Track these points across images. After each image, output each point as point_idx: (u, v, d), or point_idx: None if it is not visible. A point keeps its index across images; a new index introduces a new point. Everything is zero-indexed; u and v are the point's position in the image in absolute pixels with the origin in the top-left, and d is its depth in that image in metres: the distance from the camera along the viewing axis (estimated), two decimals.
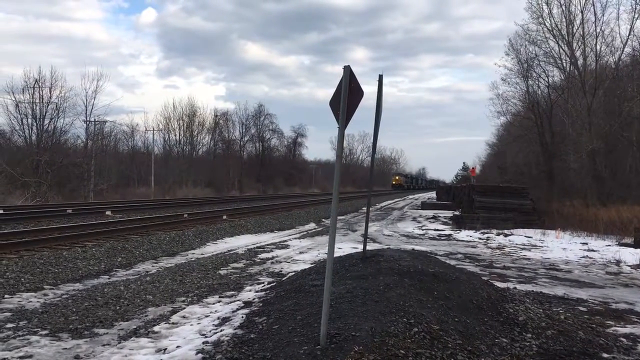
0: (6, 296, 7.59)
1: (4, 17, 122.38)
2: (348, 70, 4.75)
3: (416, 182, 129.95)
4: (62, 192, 38.21)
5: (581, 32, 29.47)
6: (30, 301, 7.36)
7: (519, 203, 22.86)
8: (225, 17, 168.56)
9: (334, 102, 4.87)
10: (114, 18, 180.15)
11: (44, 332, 5.80)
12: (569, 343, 5.44)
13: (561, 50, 30.65)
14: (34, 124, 40.59)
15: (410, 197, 65.89)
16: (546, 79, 33.23)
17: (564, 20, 29.92)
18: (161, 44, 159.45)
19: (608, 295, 8.93)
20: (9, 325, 6.07)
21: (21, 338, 5.59)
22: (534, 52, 32.54)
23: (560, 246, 15.86)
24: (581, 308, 7.69)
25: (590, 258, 13.64)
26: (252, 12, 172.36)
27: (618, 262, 12.80)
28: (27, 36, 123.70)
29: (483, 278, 8.21)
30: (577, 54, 29.93)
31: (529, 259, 13.33)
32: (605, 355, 5.27)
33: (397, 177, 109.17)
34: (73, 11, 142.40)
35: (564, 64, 31.08)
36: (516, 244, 16.39)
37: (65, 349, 5.30)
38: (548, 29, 30.56)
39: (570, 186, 29.11)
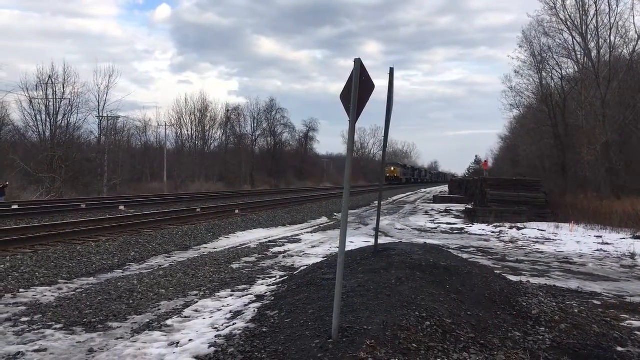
0: (21, 290, 7.67)
1: (21, 15, 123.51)
2: (359, 64, 4.73)
3: (419, 175, 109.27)
4: (76, 187, 38.59)
5: (595, 24, 29.12)
6: (45, 295, 7.42)
7: (532, 196, 22.70)
8: (239, 12, 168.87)
9: (345, 96, 4.85)
10: (129, 14, 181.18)
11: (58, 326, 5.86)
12: (583, 337, 5.40)
13: (575, 42, 30.33)
14: (48, 120, 41.05)
15: (422, 191, 65.71)
16: (559, 71, 32.93)
17: (577, 11, 29.60)
18: (175, 39, 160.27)
19: (623, 288, 8.86)
20: (24, 319, 6.13)
21: (36, 332, 5.65)
22: (547, 44, 32.25)
23: (574, 239, 15.74)
24: (595, 302, 7.63)
25: (605, 251, 13.53)
26: (265, 7, 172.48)
27: (633, 255, 12.68)
28: (43, 33, 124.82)
29: (496, 271, 8.18)
30: (591, 45, 29.59)
31: (542, 252, 13.25)
32: (619, 348, 5.22)
33: (392, 168, 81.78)
34: (89, 8, 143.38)
35: (578, 56, 30.76)
36: (529, 238, 16.30)
37: (80, 342, 5.35)
38: (562, 21, 30.25)
39: (584, 179, 28.85)
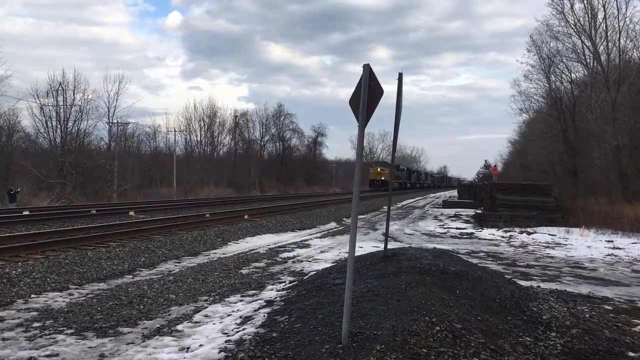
0: (33, 296, 7.72)
1: (35, 23, 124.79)
2: (367, 69, 4.74)
3: (417, 179, 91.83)
4: (86, 193, 38.82)
5: (604, 27, 29.09)
6: (56, 301, 7.47)
7: (542, 201, 22.59)
8: (249, 18, 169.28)
9: (354, 101, 4.87)
10: (141, 22, 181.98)
11: (69, 331, 5.89)
12: (594, 342, 5.36)
13: (584, 45, 30.30)
14: (58, 126, 41.34)
15: (431, 195, 65.56)
16: (569, 75, 32.85)
17: (586, 15, 29.55)
18: (186, 46, 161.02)
19: (634, 293, 8.79)
20: (36, 324, 6.18)
21: (48, 337, 5.69)
22: (556, 48, 32.24)
23: (584, 244, 15.64)
24: (607, 307, 7.58)
25: (616, 256, 13.44)
26: (276, 13, 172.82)
27: None
28: (57, 41, 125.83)
29: (506, 276, 8.14)
30: (600, 49, 29.53)
31: (552, 257, 13.18)
32: (631, 354, 5.19)
33: (378, 170, 64.67)
34: (102, 16, 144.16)
35: (587, 60, 30.69)
36: (540, 242, 16.21)
37: (91, 347, 5.38)
38: (570, 25, 30.23)
39: (595, 183, 28.69)
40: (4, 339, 5.59)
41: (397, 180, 67.66)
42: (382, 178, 62.73)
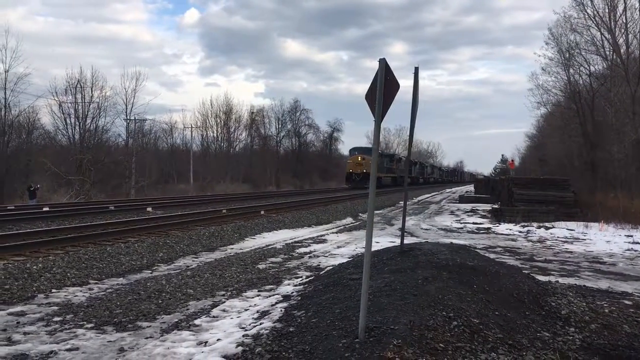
0: (53, 290, 7.83)
1: (55, 22, 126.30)
2: (383, 64, 4.73)
3: (421, 172, 76.34)
4: (105, 190, 39.28)
5: (624, 19, 28.63)
6: (76, 295, 7.57)
7: (561, 195, 22.38)
8: (266, 15, 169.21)
9: (370, 96, 4.86)
10: (159, 19, 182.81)
11: (89, 326, 5.97)
12: (613, 337, 5.32)
13: (603, 37, 29.82)
14: (77, 123, 41.78)
15: (448, 190, 65.25)
16: (588, 68, 32.32)
17: (605, 6, 29.12)
18: (203, 43, 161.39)
19: None
20: (56, 318, 6.26)
21: (68, 331, 5.77)
22: (574, 40, 31.75)
23: (603, 239, 15.48)
24: (626, 301, 7.49)
25: (636, 251, 13.28)
26: (292, 9, 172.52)
27: None
28: (76, 39, 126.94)
29: (524, 271, 8.09)
30: (620, 41, 29.07)
31: (571, 252, 13.06)
32: None
33: (358, 159, 49.15)
34: (120, 14, 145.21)
35: (606, 52, 30.21)
36: (558, 237, 16.07)
37: (110, 341, 5.45)
38: (589, 16, 29.79)
39: (614, 177, 28.32)
40: (25, 333, 5.68)
41: (389, 175, 54.31)
42: (364, 170, 47.55)
